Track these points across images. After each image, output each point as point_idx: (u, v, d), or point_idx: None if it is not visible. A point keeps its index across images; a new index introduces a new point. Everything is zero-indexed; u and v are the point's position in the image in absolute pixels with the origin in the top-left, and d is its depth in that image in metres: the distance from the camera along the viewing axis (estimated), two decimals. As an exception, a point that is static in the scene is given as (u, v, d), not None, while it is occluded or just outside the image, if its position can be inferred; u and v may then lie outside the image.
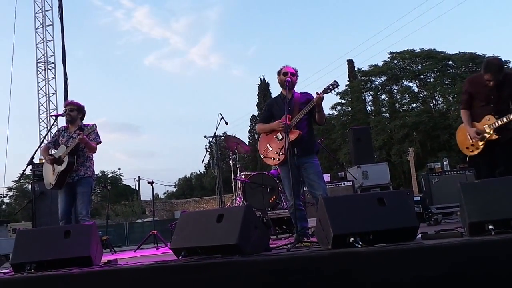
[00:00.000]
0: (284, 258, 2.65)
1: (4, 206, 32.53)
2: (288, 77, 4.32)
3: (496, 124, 4.07)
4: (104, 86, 72.44)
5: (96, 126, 4.92)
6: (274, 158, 4.41)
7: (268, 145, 4.48)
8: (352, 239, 2.66)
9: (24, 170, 5.41)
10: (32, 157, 5.10)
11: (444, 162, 8.48)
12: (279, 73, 4.45)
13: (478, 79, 4.26)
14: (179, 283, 2.65)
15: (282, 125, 4.24)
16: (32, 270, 3.11)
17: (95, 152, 5.12)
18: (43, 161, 5.35)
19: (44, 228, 4.53)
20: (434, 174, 7.47)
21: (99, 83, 71.39)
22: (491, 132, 4.09)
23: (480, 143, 4.17)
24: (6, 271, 3.42)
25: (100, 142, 5.12)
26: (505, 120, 4.01)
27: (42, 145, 5.42)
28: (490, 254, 2.29)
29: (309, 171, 4.27)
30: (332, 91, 4.19)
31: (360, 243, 2.64)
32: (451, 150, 23.16)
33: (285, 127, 4.01)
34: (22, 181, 26.83)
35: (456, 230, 3.06)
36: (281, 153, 4.32)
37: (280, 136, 4.39)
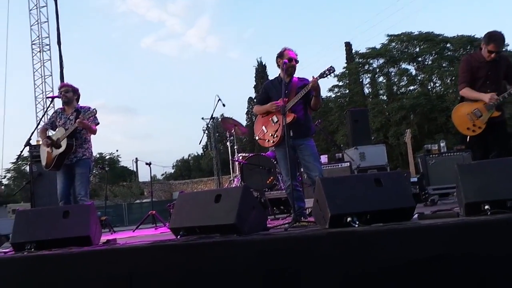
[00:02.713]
0: (282, 238, 2.68)
1: (3, 187, 32.57)
2: (293, 63, 4.31)
3: (498, 101, 4.08)
4: (101, 68, 72.02)
5: (96, 111, 4.91)
6: (268, 140, 4.44)
7: (263, 128, 4.50)
8: (349, 219, 2.68)
9: (21, 152, 5.40)
10: (29, 139, 5.10)
11: (441, 144, 8.51)
12: (281, 55, 4.35)
13: (476, 56, 4.31)
14: (177, 261, 2.68)
15: (276, 106, 4.25)
16: (32, 250, 3.13)
17: (95, 134, 5.13)
18: (40, 142, 5.33)
19: (43, 208, 4.54)
20: (431, 156, 7.49)
21: (96, 65, 70.95)
22: (493, 109, 4.11)
23: (483, 123, 4.17)
24: (6, 250, 3.44)
25: (98, 123, 5.12)
26: (506, 95, 4.06)
27: (39, 127, 5.38)
28: (486, 234, 2.32)
29: (304, 152, 4.29)
30: (328, 76, 4.17)
31: (357, 222, 2.66)
32: (448, 132, 23.24)
33: (282, 109, 4.01)
34: (20, 162, 26.81)
35: (453, 211, 3.09)
36: (275, 135, 4.35)
37: (275, 119, 4.40)
